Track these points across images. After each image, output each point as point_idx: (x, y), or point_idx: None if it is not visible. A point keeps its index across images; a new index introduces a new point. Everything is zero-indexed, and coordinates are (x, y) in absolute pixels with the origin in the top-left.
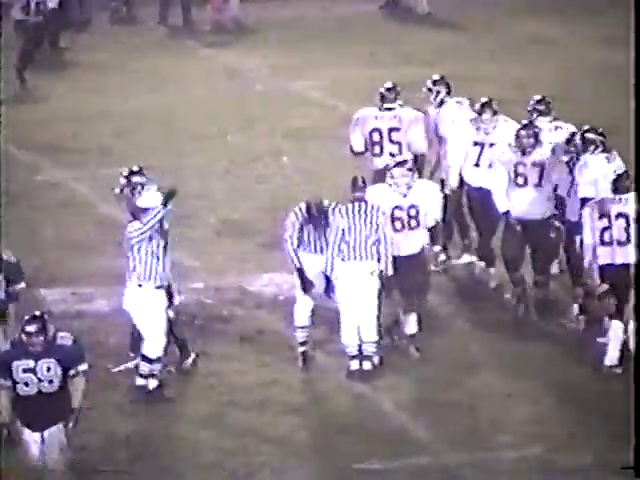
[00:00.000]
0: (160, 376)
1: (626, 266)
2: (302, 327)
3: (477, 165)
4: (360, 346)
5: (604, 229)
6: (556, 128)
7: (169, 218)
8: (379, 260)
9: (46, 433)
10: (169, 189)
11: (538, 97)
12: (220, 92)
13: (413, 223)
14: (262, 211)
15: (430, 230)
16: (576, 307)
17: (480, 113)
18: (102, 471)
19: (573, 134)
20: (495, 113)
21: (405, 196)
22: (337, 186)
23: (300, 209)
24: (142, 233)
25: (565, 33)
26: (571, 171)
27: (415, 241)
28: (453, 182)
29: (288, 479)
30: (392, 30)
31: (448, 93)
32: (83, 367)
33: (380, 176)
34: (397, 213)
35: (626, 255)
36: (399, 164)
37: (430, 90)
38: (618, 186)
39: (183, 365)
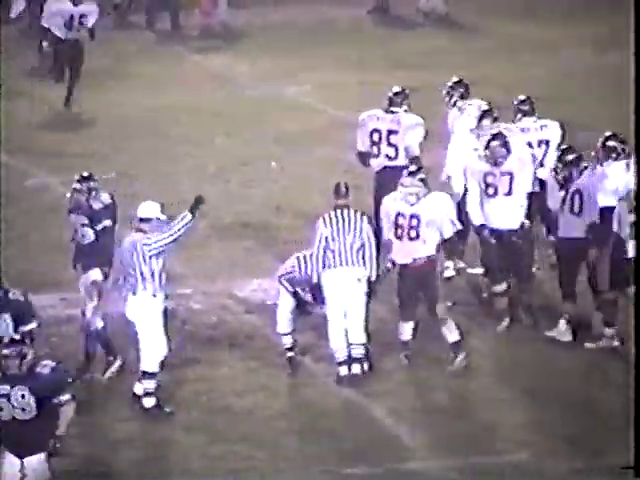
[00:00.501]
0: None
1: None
2: (284, 334)
3: None
4: (349, 350)
5: None
6: (542, 127)
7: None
8: (364, 264)
9: (25, 461)
10: (195, 197)
11: (522, 97)
12: (209, 97)
13: (412, 233)
14: (252, 216)
15: (445, 242)
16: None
17: (480, 120)
18: (91, 476)
19: (566, 150)
20: (495, 120)
21: (412, 205)
22: (326, 190)
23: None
24: (166, 244)
25: (562, 35)
26: (562, 187)
27: (410, 251)
28: (457, 189)
29: None
30: (381, 34)
31: (462, 97)
32: (65, 397)
33: (380, 177)
34: (399, 220)
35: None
36: (410, 174)
37: (448, 93)
38: None
39: (107, 372)
